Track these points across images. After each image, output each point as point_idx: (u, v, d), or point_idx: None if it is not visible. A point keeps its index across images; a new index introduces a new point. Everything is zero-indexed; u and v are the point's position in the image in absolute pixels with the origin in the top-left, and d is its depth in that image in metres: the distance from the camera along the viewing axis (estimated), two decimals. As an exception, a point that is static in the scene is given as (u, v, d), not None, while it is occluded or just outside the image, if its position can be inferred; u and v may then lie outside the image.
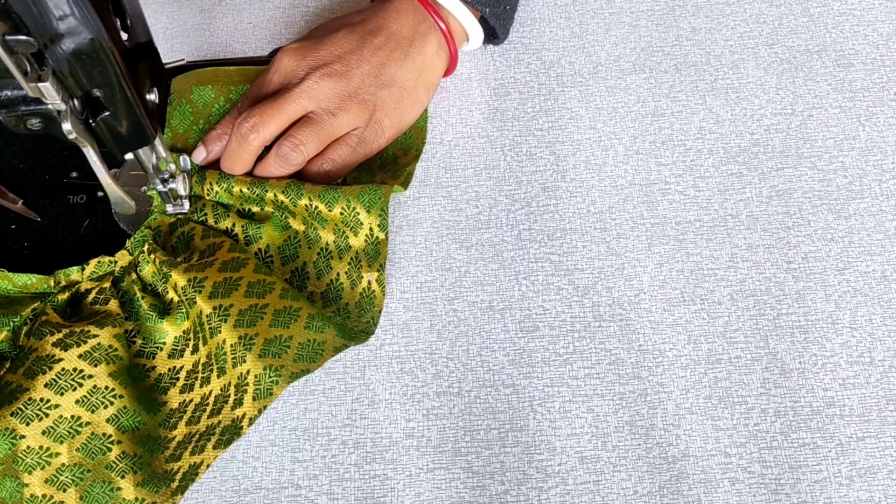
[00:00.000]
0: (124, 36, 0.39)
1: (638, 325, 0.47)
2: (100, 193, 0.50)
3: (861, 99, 0.53)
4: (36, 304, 0.45)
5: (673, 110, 0.53)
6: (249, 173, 0.49)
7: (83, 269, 0.46)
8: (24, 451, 0.41)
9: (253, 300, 0.44)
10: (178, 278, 0.44)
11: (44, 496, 0.41)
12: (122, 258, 0.47)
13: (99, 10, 0.33)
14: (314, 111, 0.48)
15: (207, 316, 0.43)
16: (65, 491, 0.41)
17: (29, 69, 0.32)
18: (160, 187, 0.45)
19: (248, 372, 0.42)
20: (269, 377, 0.42)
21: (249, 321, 0.43)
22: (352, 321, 0.46)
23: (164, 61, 0.46)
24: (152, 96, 0.42)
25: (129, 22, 0.39)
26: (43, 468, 0.41)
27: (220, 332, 0.43)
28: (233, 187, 0.48)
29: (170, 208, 0.48)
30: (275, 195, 0.47)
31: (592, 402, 0.45)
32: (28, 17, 0.31)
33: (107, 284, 0.46)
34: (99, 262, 0.47)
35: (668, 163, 0.51)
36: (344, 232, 0.47)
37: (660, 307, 0.47)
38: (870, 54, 0.55)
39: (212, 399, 0.44)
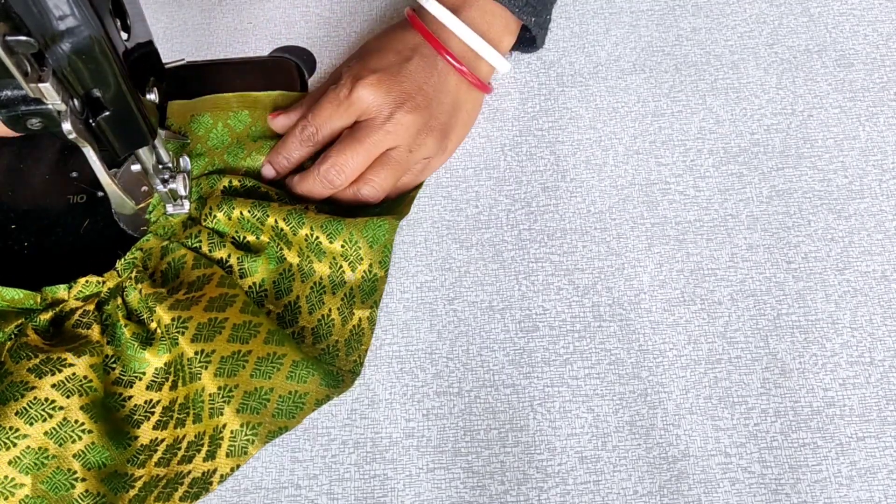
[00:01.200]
0: (124, 36, 0.39)
1: (638, 325, 0.47)
2: (100, 193, 0.50)
3: (861, 99, 0.53)
4: (21, 321, 0.45)
5: (673, 110, 0.53)
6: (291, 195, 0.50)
7: (70, 288, 0.46)
8: None
9: (236, 346, 0.43)
10: (163, 315, 0.44)
11: None
12: (111, 279, 0.46)
13: (99, 10, 0.33)
14: (395, 149, 0.48)
15: (189, 359, 0.43)
16: None
17: (29, 69, 0.32)
18: (160, 187, 0.45)
19: (224, 426, 0.42)
20: (246, 435, 0.42)
21: (230, 370, 0.43)
22: (340, 361, 0.45)
23: (164, 61, 0.46)
24: (152, 96, 0.42)
25: (129, 22, 0.39)
26: (6, 498, 0.41)
27: (200, 378, 0.43)
28: (234, 210, 0.47)
29: (170, 208, 0.47)
30: (276, 221, 0.46)
31: (592, 402, 0.45)
32: (28, 16, 0.31)
33: (91, 307, 0.45)
34: (87, 281, 0.46)
35: (668, 163, 0.51)
36: (341, 266, 0.47)
37: (660, 307, 0.47)
38: (870, 54, 0.55)
39: (185, 444, 0.43)
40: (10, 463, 0.41)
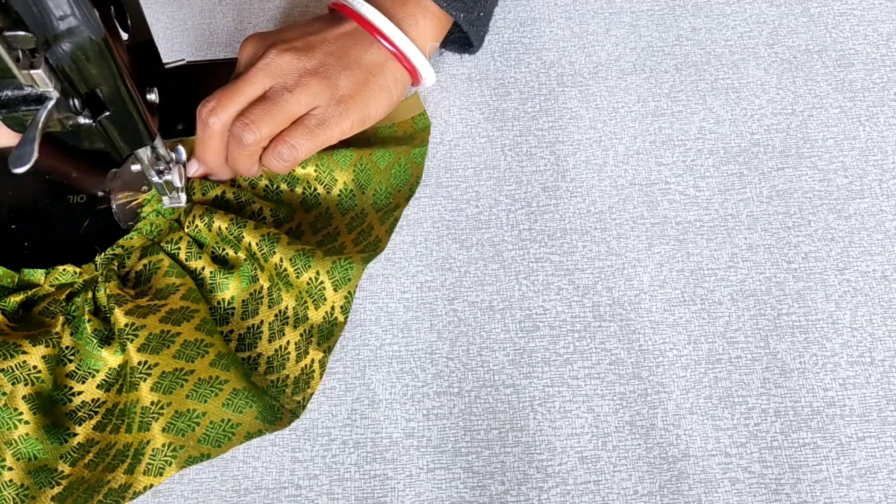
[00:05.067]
0: (124, 36, 0.39)
1: (638, 325, 0.47)
2: (100, 193, 0.50)
3: (861, 99, 0.53)
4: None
5: (673, 110, 0.53)
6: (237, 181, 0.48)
7: (48, 274, 0.46)
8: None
9: (181, 363, 0.43)
10: (119, 318, 0.44)
11: None
12: (87, 272, 0.46)
13: (99, 10, 0.33)
14: (271, 87, 0.46)
15: (132, 368, 0.43)
16: None
17: (21, 56, 0.32)
18: (156, 179, 0.45)
19: (148, 442, 0.42)
20: (165, 455, 0.42)
21: (168, 387, 0.43)
22: (284, 397, 0.45)
23: (164, 61, 0.46)
24: (152, 96, 0.42)
25: (129, 22, 0.39)
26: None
27: (138, 388, 0.43)
28: (213, 223, 0.46)
29: (166, 201, 0.48)
30: (250, 243, 0.46)
31: (592, 402, 0.45)
32: (28, 16, 0.31)
33: (61, 297, 0.45)
34: (64, 270, 0.46)
35: (668, 163, 0.51)
36: (305, 301, 0.46)
37: (660, 307, 0.47)
38: (870, 54, 0.55)
39: (113, 451, 0.43)
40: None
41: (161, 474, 0.41)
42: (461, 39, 0.53)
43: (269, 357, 0.46)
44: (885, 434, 0.44)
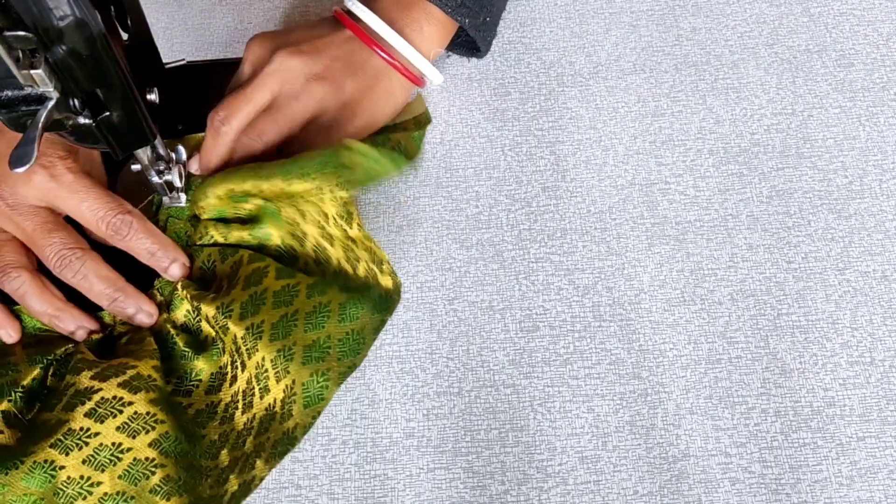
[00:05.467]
0: (124, 36, 0.39)
1: (638, 325, 0.47)
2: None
3: (861, 99, 0.53)
4: (68, 346, 0.44)
5: (673, 110, 0.53)
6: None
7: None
8: (65, 482, 0.39)
9: (282, 310, 0.43)
10: (208, 309, 0.44)
11: None
12: (155, 298, 0.46)
13: (99, 10, 0.33)
14: (279, 94, 0.46)
15: (242, 338, 0.43)
16: None
17: (21, 56, 0.32)
18: (156, 178, 0.45)
19: (293, 382, 0.42)
20: (318, 382, 0.42)
21: (284, 332, 0.42)
22: (382, 278, 0.45)
23: (164, 61, 0.46)
24: (152, 96, 0.42)
25: (129, 22, 0.39)
26: (84, 498, 0.39)
27: (257, 350, 0.42)
28: (209, 198, 0.46)
29: (166, 200, 0.48)
30: (252, 184, 0.45)
31: (592, 402, 0.45)
32: (28, 16, 0.31)
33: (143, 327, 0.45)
34: None
35: (668, 163, 0.51)
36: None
37: (660, 307, 0.47)
38: (870, 54, 0.55)
39: (256, 422, 0.43)
40: (84, 462, 0.40)
41: (322, 399, 0.42)
42: (467, 43, 0.53)
43: (346, 257, 0.45)
44: (885, 434, 0.44)
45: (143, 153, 0.43)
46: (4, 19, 0.31)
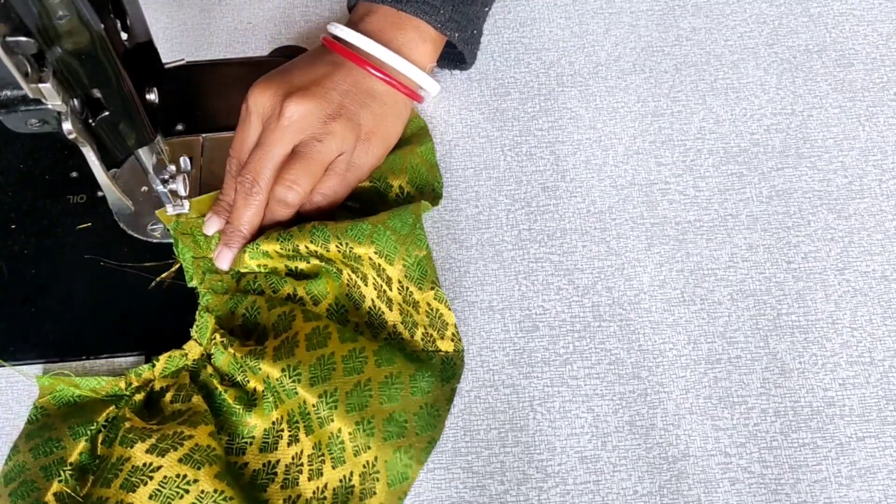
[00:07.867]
0: (124, 36, 0.39)
1: (638, 325, 0.47)
2: (99, 193, 0.50)
3: (861, 99, 0.53)
4: (110, 409, 0.43)
5: (673, 110, 0.53)
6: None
7: (153, 367, 0.44)
8: None
9: (354, 377, 0.42)
10: (270, 370, 0.42)
11: None
12: (193, 350, 0.44)
13: (99, 10, 0.33)
14: (300, 142, 0.46)
15: (314, 405, 0.41)
16: None
17: (29, 70, 0.32)
18: (160, 188, 0.45)
19: (376, 459, 0.41)
20: (402, 461, 0.41)
21: (360, 403, 0.41)
22: (442, 343, 0.45)
23: (164, 61, 0.46)
24: (152, 96, 0.42)
25: (129, 22, 0.39)
26: None
27: (332, 420, 0.41)
28: (263, 250, 0.45)
29: (170, 209, 0.47)
30: (305, 246, 0.45)
31: (592, 402, 0.45)
32: (28, 17, 0.31)
33: (185, 381, 0.44)
34: (170, 356, 0.44)
35: (668, 163, 0.51)
36: (379, 265, 0.45)
37: (660, 307, 0.47)
38: (870, 54, 0.55)
39: (329, 492, 0.41)
40: None
41: (406, 478, 0.41)
42: (452, 56, 0.53)
43: (402, 321, 0.45)
44: (884, 434, 0.44)
45: (147, 159, 0.43)
46: (5, 23, 0.31)
